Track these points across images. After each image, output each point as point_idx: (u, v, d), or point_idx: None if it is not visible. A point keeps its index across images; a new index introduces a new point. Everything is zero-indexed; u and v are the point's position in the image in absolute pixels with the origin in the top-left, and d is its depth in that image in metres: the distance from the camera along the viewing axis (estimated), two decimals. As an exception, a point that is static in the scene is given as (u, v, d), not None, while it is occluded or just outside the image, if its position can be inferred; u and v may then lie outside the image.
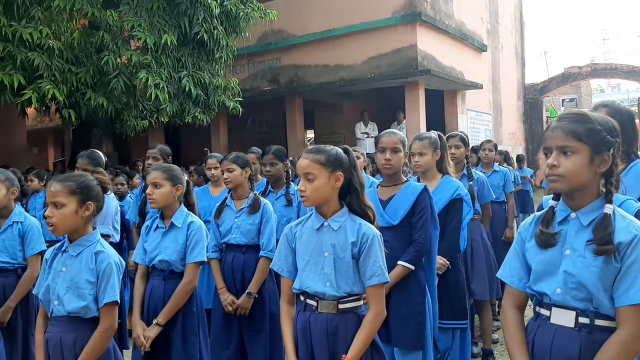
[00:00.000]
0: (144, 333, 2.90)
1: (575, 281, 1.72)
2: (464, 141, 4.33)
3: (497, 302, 5.50)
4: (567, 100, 30.57)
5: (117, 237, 4.07)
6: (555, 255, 1.78)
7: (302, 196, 2.22)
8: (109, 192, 2.47)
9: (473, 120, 14.05)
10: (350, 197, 2.27)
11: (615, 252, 1.68)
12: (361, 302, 2.27)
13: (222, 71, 9.59)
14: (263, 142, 14.06)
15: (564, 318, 1.75)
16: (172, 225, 3.06)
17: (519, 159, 10.92)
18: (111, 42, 8.04)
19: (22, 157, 12.64)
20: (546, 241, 1.79)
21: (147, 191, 3.07)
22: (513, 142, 17.27)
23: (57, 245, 2.40)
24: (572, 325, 1.73)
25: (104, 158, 4.14)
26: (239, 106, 9.73)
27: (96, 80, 8.24)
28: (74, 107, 8.23)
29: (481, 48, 14.23)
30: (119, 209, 4.25)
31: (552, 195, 2.48)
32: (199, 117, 9.19)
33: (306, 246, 2.27)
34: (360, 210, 2.27)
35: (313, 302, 2.24)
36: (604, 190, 1.77)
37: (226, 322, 3.50)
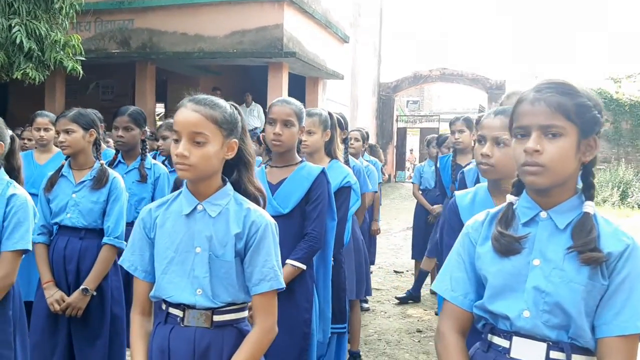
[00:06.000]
0: None
1: (550, 302, 1.32)
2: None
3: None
4: (411, 102, 32.33)
5: None
6: (519, 265, 1.37)
7: (181, 163, 1.58)
8: None
9: (332, 111, 13.99)
10: (238, 172, 1.72)
11: (603, 264, 1.31)
12: (246, 313, 1.73)
13: (65, 24, 8.27)
14: (107, 110, 12.54)
15: (530, 352, 1.34)
16: None
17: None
18: None
19: None
20: (508, 247, 1.37)
21: None
22: (365, 136, 17.62)
23: None
24: None
25: None
26: (80, 67, 8.46)
27: None
28: None
29: (344, 39, 14.18)
30: None
31: (466, 192, 2.15)
32: (30, 75, 7.80)
33: (170, 238, 1.66)
34: (250, 191, 1.72)
35: (177, 312, 1.65)
36: (580, 184, 1.40)
37: (51, 325, 2.73)
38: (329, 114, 3.12)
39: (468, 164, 3.44)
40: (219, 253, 1.63)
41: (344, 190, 2.99)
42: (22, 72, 7.71)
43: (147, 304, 1.72)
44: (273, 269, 1.65)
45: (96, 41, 11.48)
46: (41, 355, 2.69)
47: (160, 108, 14.54)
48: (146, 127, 3.45)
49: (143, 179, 3.38)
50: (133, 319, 1.72)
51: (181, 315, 1.64)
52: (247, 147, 1.71)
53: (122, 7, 11.28)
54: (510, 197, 1.46)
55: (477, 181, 2.92)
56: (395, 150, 20.32)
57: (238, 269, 1.65)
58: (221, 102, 1.67)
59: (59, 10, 8.02)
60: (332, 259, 2.95)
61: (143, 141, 3.41)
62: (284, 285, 1.67)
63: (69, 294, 2.71)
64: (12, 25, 7.32)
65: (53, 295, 2.68)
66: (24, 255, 2.33)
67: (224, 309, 1.65)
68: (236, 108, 1.72)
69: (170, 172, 3.56)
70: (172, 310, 1.66)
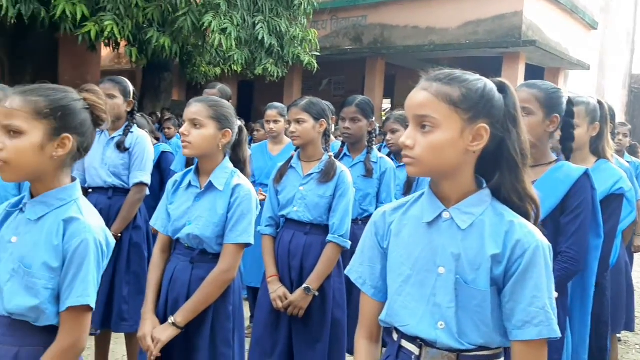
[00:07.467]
0: (154, 333, 2.05)
1: None
2: None
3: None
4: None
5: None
6: None
7: (405, 156, 1.24)
8: (104, 123, 1.56)
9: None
10: (501, 172, 1.26)
11: None
12: None
13: (303, 20, 8.67)
14: (338, 105, 13.13)
15: None
16: (211, 185, 2.16)
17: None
18: (185, -24, 7.26)
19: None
20: None
21: (181, 130, 2.18)
22: (612, 135, 15.55)
23: (16, 199, 1.52)
24: None
25: (131, 87, 3.24)
26: (315, 62, 8.78)
27: (167, 18, 7.54)
28: (142, 46, 7.58)
29: (592, 25, 12.59)
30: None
31: None
32: (270, 70, 8.35)
33: (407, 250, 1.30)
34: (515, 198, 1.26)
35: (413, 348, 1.29)
36: None
37: (273, 321, 2.63)
38: (599, 102, 2.51)
39: None
40: (469, 278, 1.23)
41: (615, 199, 2.37)
42: (262, 67, 8.27)
43: (376, 328, 1.40)
44: (544, 310, 1.19)
45: (331, 38, 11.91)
46: (262, 352, 2.61)
47: (387, 104, 14.61)
48: (373, 119, 3.21)
49: (369, 173, 3.14)
50: (358, 344, 1.41)
51: (417, 353, 1.28)
52: (512, 139, 1.24)
53: (356, 3, 11.52)
54: None
55: None
56: (649, 152, 17.54)
57: (494, 302, 1.23)
58: (469, 75, 1.25)
59: (298, 7, 8.42)
60: (595, 284, 2.37)
61: (370, 133, 3.18)
62: (559, 335, 1.21)
63: (291, 291, 2.59)
64: (256, 22, 7.86)
65: (276, 290, 2.58)
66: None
67: (474, 353, 1.25)
68: (502, 86, 1.28)
69: (397, 167, 3.29)
70: (405, 344, 1.31)
